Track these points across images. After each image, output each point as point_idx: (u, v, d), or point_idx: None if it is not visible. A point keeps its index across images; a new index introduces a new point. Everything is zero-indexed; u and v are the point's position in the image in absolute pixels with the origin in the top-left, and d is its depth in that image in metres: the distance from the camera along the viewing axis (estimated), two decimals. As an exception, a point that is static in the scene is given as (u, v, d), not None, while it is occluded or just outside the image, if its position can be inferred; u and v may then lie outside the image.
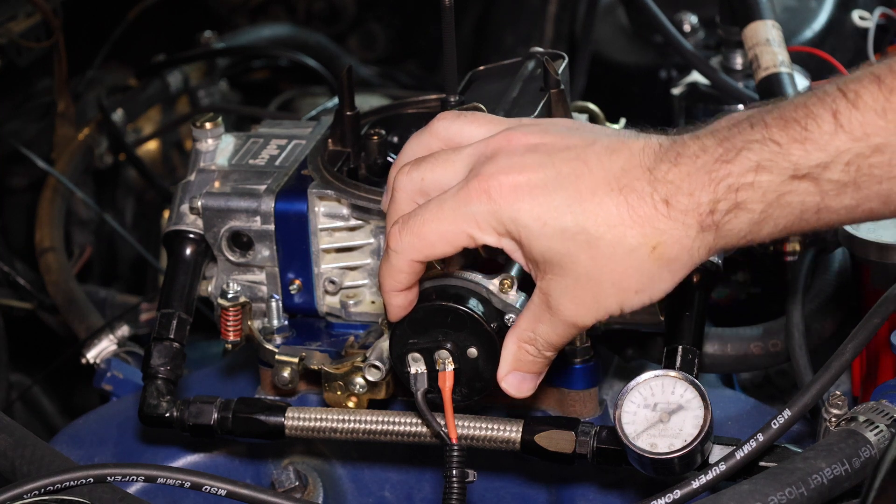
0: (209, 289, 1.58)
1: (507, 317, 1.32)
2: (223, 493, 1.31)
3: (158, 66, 2.51)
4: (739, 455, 1.27)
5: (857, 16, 2.04)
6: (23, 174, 2.32)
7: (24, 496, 1.28)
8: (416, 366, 1.33)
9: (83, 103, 2.40)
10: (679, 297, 1.46)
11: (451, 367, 1.32)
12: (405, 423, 1.44)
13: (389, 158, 1.55)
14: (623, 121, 1.68)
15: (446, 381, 1.32)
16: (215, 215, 1.54)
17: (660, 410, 1.30)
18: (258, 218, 1.53)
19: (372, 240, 1.53)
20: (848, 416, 1.29)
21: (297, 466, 1.57)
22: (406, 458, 1.58)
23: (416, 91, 2.44)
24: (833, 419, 1.30)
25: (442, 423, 1.34)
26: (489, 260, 1.40)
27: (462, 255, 1.37)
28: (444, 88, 1.53)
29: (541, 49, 1.65)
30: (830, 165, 1.13)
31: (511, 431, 1.42)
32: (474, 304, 1.31)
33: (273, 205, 1.52)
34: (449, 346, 1.32)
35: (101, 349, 1.88)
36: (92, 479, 1.31)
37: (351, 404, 1.48)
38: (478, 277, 1.34)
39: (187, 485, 1.31)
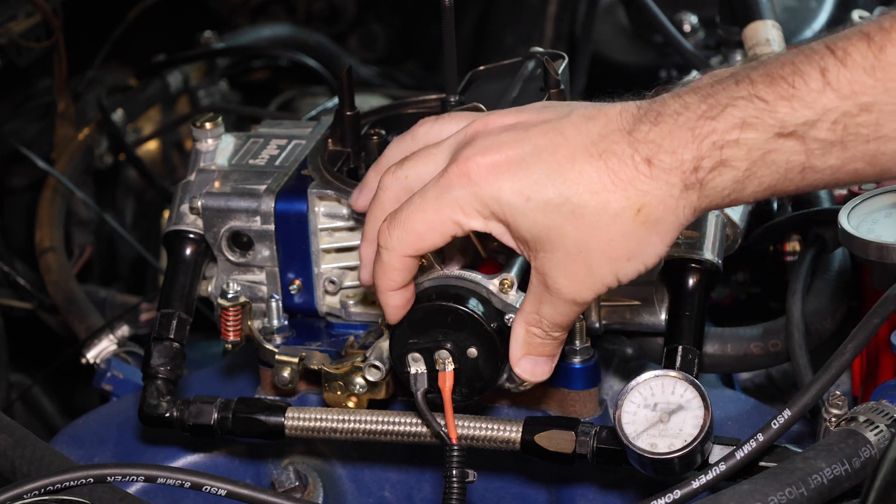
0: (209, 289, 1.58)
1: (507, 317, 1.32)
2: (223, 493, 1.30)
3: (158, 66, 2.51)
4: (739, 455, 1.27)
5: (856, 16, 2.04)
6: (23, 174, 2.31)
7: (24, 496, 1.28)
8: (416, 366, 1.33)
9: (83, 103, 2.40)
10: (679, 297, 1.46)
11: (451, 367, 1.32)
12: (405, 423, 1.44)
13: (389, 158, 1.55)
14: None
15: (446, 381, 1.32)
16: (215, 215, 1.54)
17: (660, 410, 1.29)
18: (258, 218, 1.53)
19: (372, 240, 1.53)
20: (848, 416, 1.29)
21: (297, 466, 1.57)
22: (406, 458, 1.57)
23: (416, 91, 2.44)
24: (833, 419, 1.29)
25: (442, 423, 1.34)
26: (489, 260, 1.40)
27: (462, 254, 1.37)
28: (444, 88, 1.53)
29: (541, 49, 1.65)
30: (817, 124, 1.11)
31: (511, 431, 1.41)
32: (474, 305, 1.31)
33: (273, 205, 1.52)
34: (449, 346, 1.32)
35: (101, 349, 1.88)
36: (92, 479, 1.31)
37: (351, 404, 1.48)
38: (478, 277, 1.34)
39: (187, 485, 1.31)
